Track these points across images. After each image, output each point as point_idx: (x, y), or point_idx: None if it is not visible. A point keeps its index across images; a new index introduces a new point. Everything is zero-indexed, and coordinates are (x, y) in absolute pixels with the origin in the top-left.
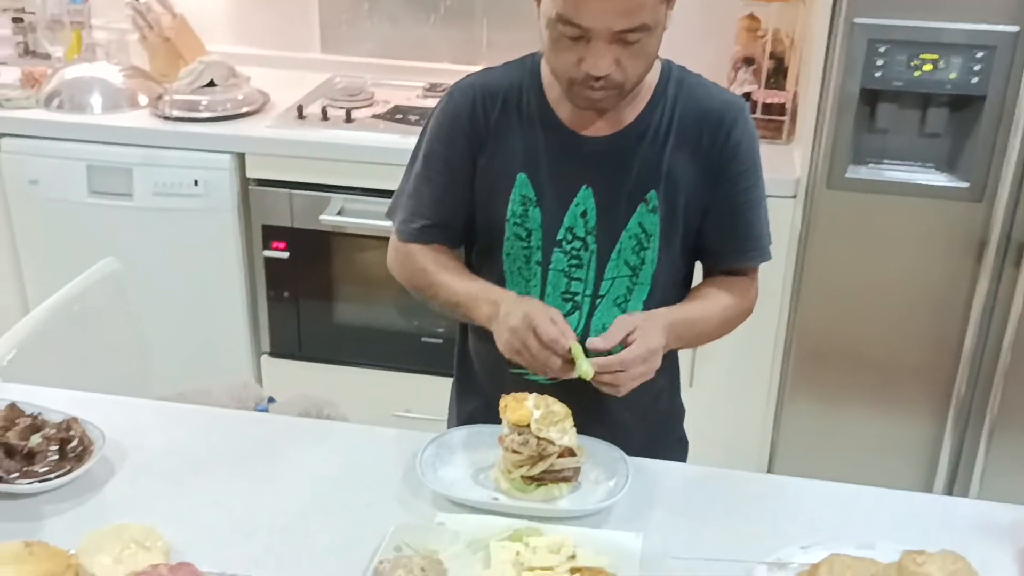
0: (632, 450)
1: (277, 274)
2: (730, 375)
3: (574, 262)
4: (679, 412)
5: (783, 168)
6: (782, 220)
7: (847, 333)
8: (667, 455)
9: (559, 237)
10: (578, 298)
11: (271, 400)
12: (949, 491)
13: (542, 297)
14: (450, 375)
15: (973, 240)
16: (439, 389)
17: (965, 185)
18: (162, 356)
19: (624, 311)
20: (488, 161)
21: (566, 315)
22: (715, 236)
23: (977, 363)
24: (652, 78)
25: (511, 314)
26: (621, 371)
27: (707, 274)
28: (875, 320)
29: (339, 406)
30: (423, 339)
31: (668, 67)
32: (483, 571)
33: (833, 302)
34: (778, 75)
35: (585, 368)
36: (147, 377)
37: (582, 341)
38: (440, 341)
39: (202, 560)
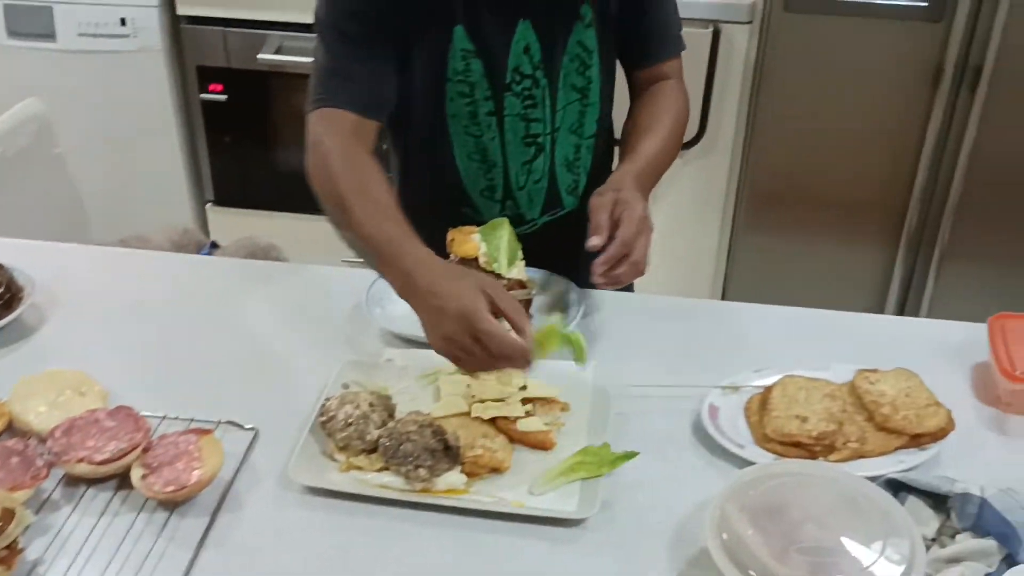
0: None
1: (216, 118)
2: (683, 205)
3: (529, 103)
4: None
5: None
6: (737, 48)
7: (802, 164)
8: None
9: (507, 80)
10: (540, 139)
11: (214, 245)
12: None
13: (503, 147)
14: None
15: (930, 65)
16: None
17: (924, 4)
18: (100, 207)
19: (580, 137)
20: (419, 24)
21: (530, 161)
22: (634, 35)
23: (930, 191)
24: None
25: (438, 310)
26: (627, 255)
27: (632, 86)
28: (830, 151)
29: (283, 249)
30: None
31: None
32: (433, 404)
33: (789, 133)
34: None
35: (577, 355)
36: (85, 227)
37: (551, 181)
38: None
39: (142, 404)
